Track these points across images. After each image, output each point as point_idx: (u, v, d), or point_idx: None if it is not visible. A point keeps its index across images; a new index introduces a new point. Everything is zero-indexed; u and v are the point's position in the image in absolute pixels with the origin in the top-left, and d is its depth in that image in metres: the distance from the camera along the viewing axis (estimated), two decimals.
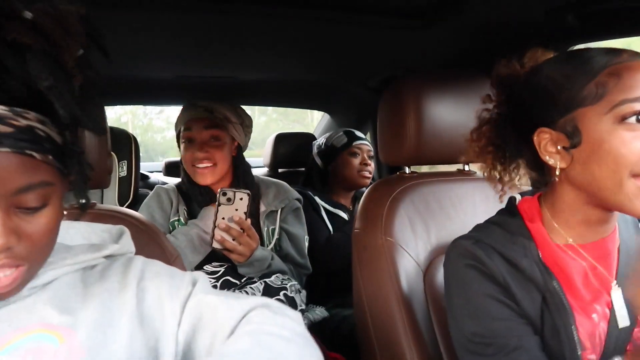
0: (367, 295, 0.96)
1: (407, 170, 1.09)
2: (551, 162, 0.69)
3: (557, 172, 0.69)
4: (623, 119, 0.62)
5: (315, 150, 1.92)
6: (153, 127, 7.26)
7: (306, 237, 1.48)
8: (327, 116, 2.43)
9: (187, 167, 1.37)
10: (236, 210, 1.22)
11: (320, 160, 1.88)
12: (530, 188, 0.83)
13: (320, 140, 1.92)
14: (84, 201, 0.56)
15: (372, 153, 1.85)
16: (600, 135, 0.63)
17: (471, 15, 1.12)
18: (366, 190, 1.06)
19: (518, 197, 0.80)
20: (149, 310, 0.59)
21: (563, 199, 0.72)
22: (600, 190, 0.65)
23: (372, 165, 1.83)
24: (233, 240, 1.20)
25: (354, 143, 1.82)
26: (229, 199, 1.22)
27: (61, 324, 0.55)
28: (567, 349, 0.67)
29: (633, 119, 0.61)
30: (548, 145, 0.69)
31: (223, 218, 1.21)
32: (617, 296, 0.70)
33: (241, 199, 1.22)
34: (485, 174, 0.81)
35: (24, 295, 0.56)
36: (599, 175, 0.64)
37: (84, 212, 0.59)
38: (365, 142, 1.85)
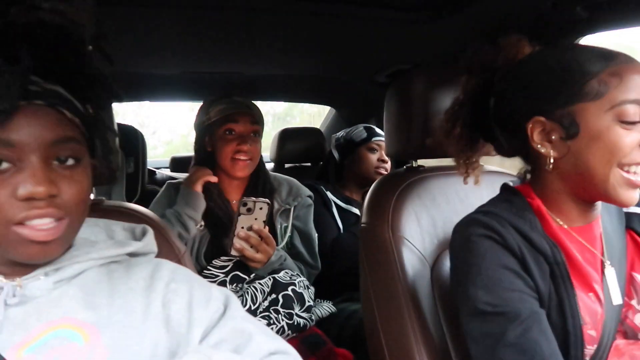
0: (374, 290, 0.96)
1: (413, 164, 1.09)
2: (543, 150, 0.73)
3: (551, 161, 0.72)
4: (622, 119, 0.67)
5: (333, 143, 1.92)
6: (148, 145, 7.46)
7: (316, 235, 1.48)
8: (333, 111, 2.43)
9: (225, 159, 1.36)
10: (255, 219, 1.23)
11: (337, 154, 1.88)
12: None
13: (340, 134, 1.92)
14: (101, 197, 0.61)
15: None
16: (599, 129, 0.68)
17: (478, 9, 1.11)
18: (372, 185, 1.06)
19: (510, 184, 0.83)
20: (176, 314, 0.60)
21: (551, 188, 0.75)
22: (590, 179, 0.69)
23: (389, 164, 1.81)
24: (251, 248, 1.22)
25: (373, 139, 1.81)
26: (249, 209, 1.23)
27: (86, 319, 0.56)
28: (570, 322, 0.69)
29: (630, 120, 0.66)
30: (540, 134, 0.73)
31: (242, 227, 1.23)
32: (610, 274, 0.74)
33: (261, 208, 1.23)
34: (454, 156, 0.85)
35: (51, 289, 0.57)
36: (592, 165, 0.69)
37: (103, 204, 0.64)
38: (384, 139, 1.83)
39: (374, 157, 1.79)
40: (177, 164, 2.49)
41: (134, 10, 1.07)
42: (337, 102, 2.33)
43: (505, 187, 0.83)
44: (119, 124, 1.68)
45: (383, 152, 1.80)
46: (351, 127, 1.89)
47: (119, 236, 0.71)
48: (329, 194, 1.75)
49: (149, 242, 0.71)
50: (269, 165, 2.40)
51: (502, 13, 1.13)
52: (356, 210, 1.76)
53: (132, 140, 1.94)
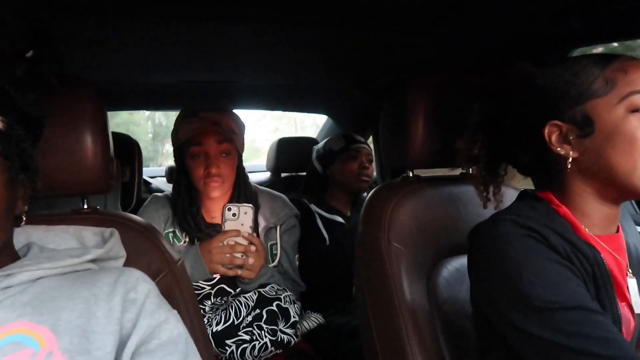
0: (370, 298, 0.95)
1: (410, 174, 1.09)
2: (562, 152, 0.73)
3: (569, 161, 0.73)
4: (633, 109, 0.68)
5: (314, 155, 1.92)
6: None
7: (297, 255, 1.45)
8: (329, 120, 2.43)
9: (197, 182, 1.30)
10: (242, 224, 1.22)
11: (319, 165, 1.87)
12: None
13: (319, 145, 1.92)
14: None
15: (371, 157, 1.84)
16: (614, 122, 0.69)
17: (473, 19, 1.12)
18: (369, 194, 1.06)
19: (529, 191, 0.82)
20: (127, 323, 0.59)
21: (575, 190, 0.75)
22: (615, 174, 0.69)
23: (371, 169, 1.81)
24: (242, 256, 1.20)
25: (352, 146, 1.80)
26: (234, 214, 1.22)
27: (42, 323, 0.55)
28: None
29: None
30: (558, 137, 0.74)
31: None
32: (632, 284, 0.74)
33: (245, 213, 1.23)
34: (475, 180, 0.87)
35: (1, 298, 0.57)
36: (614, 159, 0.69)
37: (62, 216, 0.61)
38: (363, 145, 1.83)
39: (354, 165, 1.78)
40: (173, 173, 2.49)
41: (129, 21, 1.08)
42: (333, 112, 2.33)
43: (525, 194, 0.82)
44: (114, 133, 1.68)
45: (364, 159, 1.79)
46: (330, 138, 1.89)
47: (89, 242, 0.70)
48: (312, 205, 1.74)
49: (112, 247, 0.70)
50: (266, 175, 2.41)
51: (497, 24, 1.14)
52: (340, 219, 1.76)
53: (128, 149, 1.94)
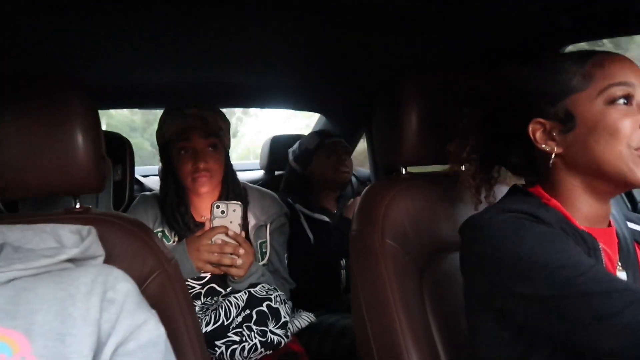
0: (365, 299, 0.95)
1: (403, 171, 1.09)
2: (547, 148, 0.75)
3: (553, 156, 0.74)
4: (611, 101, 0.70)
5: (291, 157, 1.90)
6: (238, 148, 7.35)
7: (286, 254, 1.45)
8: (322, 118, 2.43)
9: (185, 178, 1.30)
10: (230, 222, 1.21)
11: (297, 166, 1.86)
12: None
13: (295, 146, 1.90)
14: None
15: (347, 149, 1.83)
16: (594, 115, 0.70)
17: (464, 18, 1.12)
18: (363, 192, 1.06)
19: (519, 186, 0.82)
20: (105, 324, 0.58)
21: (565, 185, 0.76)
22: (601, 165, 0.70)
23: (349, 161, 1.81)
24: (230, 255, 1.19)
25: (327, 141, 1.79)
26: (222, 212, 1.21)
27: (16, 327, 0.54)
28: None
29: (621, 102, 0.70)
30: (542, 134, 0.75)
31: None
32: (622, 277, 0.75)
33: (234, 210, 1.21)
34: (466, 182, 0.87)
35: None
36: (598, 151, 0.70)
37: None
38: (338, 139, 1.83)
39: (332, 159, 1.77)
40: None
41: (121, 19, 1.07)
42: (326, 110, 2.33)
43: (516, 189, 0.82)
44: (106, 132, 1.66)
45: (340, 152, 1.78)
46: (303, 137, 1.88)
47: (67, 240, 0.68)
48: (297, 205, 1.73)
49: (89, 246, 0.68)
50: (259, 173, 2.40)
51: (487, 22, 1.14)
52: (326, 218, 1.75)
53: (119, 148, 1.93)
